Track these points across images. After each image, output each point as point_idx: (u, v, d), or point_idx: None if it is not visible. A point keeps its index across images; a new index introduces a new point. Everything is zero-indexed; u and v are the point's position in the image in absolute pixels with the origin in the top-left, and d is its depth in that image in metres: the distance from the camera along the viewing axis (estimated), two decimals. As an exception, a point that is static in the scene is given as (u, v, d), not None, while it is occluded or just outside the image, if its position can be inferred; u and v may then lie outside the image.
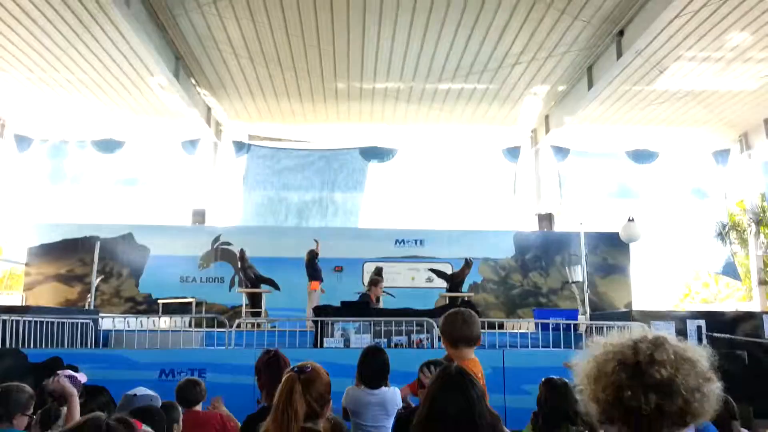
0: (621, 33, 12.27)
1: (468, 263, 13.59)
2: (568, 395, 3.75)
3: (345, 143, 19.13)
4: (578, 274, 14.77)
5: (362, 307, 10.91)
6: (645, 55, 12.84)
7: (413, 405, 4.40)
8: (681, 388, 1.41)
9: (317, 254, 13.45)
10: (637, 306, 16.12)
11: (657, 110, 16.18)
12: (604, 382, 1.44)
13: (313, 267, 13.32)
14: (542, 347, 10.10)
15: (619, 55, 12.38)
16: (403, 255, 16.42)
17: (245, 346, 9.81)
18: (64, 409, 3.72)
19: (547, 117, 17.30)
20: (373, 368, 4.58)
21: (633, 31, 11.90)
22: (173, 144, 18.50)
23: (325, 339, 9.76)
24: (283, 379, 2.71)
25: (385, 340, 9.21)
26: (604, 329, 9.73)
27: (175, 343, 9.82)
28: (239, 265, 13.84)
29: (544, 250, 16.69)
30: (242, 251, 13.83)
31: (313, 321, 10.29)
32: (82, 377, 3.99)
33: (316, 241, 13.82)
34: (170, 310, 13.01)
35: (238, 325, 10.68)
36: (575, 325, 11.00)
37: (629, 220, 14.71)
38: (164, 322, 12.07)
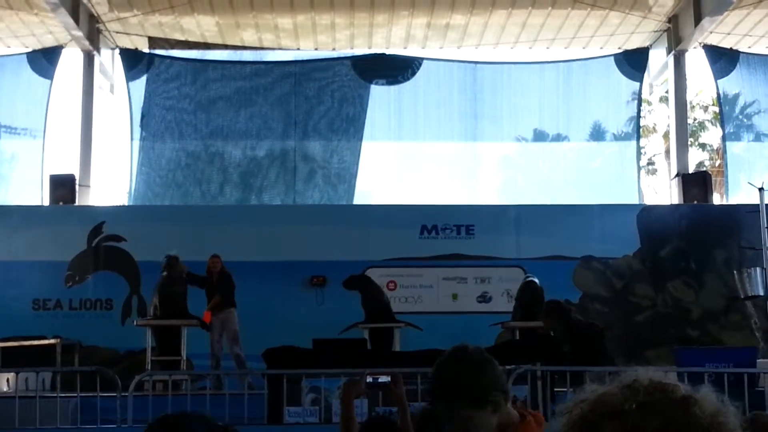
0: None
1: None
2: None
3: (327, 48, 19.25)
4: (758, 283, 14.90)
5: (352, 351, 11.18)
6: None
7: None
8: None
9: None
10: None
11: None
12: None
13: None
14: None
15: None
16: (436, 254, 16.60)
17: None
18: None
19: (697, -7, 17.38)
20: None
21: None
22: (14, 59, 18.66)
23: (286, 408, 9.99)
24: None
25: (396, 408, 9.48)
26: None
27: (26, 420, 10.03)
28: (165, 279, 14.08)
29: (694, 241, 16.80)
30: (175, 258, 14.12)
31: (266, 375, 10.50)
32: None
33: (216, 257, 14.17)
34: (15, 359, 13.28)
35: (140, 386, 10.93)
36: (752, 377, 11.18)
37: None
38: (6, 381, 12.39)
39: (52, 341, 13.90)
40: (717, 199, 18.33)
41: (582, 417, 1.65)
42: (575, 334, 9.98)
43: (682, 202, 17.53)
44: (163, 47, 18.98)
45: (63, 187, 17.22)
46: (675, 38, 18.36)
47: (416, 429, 4.87)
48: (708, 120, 30.61)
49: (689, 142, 19.49)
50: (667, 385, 1.67)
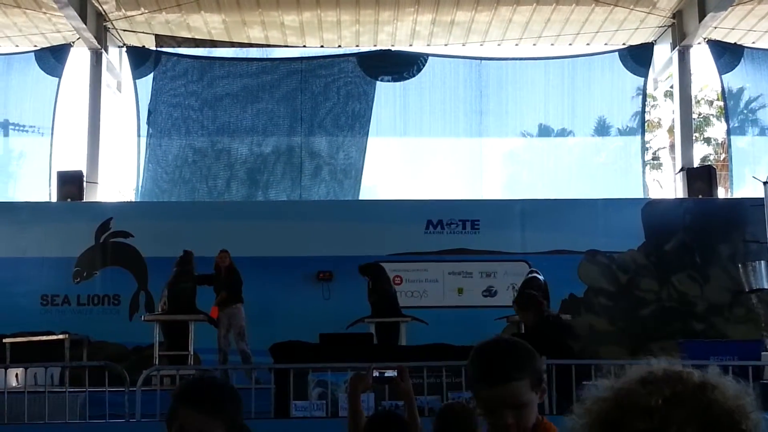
0: None
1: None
2: None
3: (333, 46, 19.27)
4: (762, 276, 14.87)
5: (358, 345, 11.19)
6: None
7: None
8: None
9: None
10: None
11: None
12: None
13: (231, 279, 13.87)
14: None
15: None
16: (441, 249, 16.61)
17: (160, 417, 10.11)
18: None
19: (701, -12, 17.35)
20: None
21: None
22: (23, 57, 18.73)
23: (293, 402, 10.00)
24: None
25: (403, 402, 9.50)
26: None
27: (35, 415, 10.04)
28: (176, 275, 14.17)
29: (699, 235, 16.78)
30: (189, 254, 14.21)
31: (273, 370, 10.54)
32: None
33: (224, 252, 14.20)
34: (24, 355, 13.27)
35: (148, 381, 10.97)
36: (758, 370, 11.17)
37: None
38: (15, 376, 12.40)
39: (60, 337, 13.96)
40: (722, 193, 18.29)
41: (604, 414, 1.64)
42: (545, 330, 9.95)
43: (686, 197, 17.51)
44: (170, 45, 19.03)
45: (71, 183, 17.26)
46: (679, 34, 18.35)
47: (439, 423, 4.89)
48: (713, 114, 30.57)
49: (694, 137, 19.44)
50: (682, 373, 1.67)
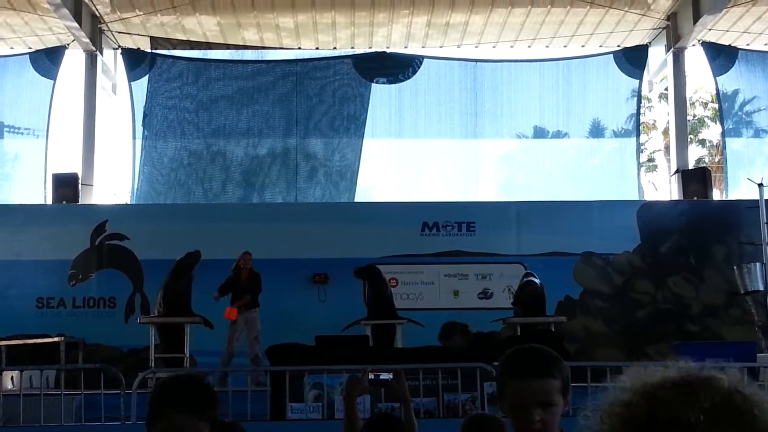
0: None
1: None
2: None
3: (328, 47, 19.28)
4: (757, 278, 14.90)
5: (354, 347, 11.19)
6: None
7: None
8: None
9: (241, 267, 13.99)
10: None
11: None
12: None
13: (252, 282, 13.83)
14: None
15: None
16: (437, 251, 16.64)
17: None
18: None
19: (696, -10, 17.40)
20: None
21: None
22: (17, 59, 18.73)
23: (289, 405, 10.00)
24: None
25: (399, 405, 9.50)
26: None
27: (30, 417, 10.04)
28: (173, 279, 14.08)
29: (694, 237, 16.81)
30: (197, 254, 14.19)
31: (269, 372, 10.55)
32: None
33: (248, 254, 14.24)
34: (20, 358, 13.29)
35: (144, 383, 10.95)
36: (752, 371, 11.19)
37: None
38: (10, 379, 12.40)
39: (56, 339, 13.94)
40: (716, 195, 18.34)
41: (635, 422, 1.60)
42: (480, 347, 10.09)
43: (681, 198, 17.56)
44: (165, 47, 19.02)
45: (66, 186, 17.26)
46: (674, 36, 18.41)
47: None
48: (707, 116, 30.63)
49: (689, 139, 19.51)
50: (711, 378, 1.62)
